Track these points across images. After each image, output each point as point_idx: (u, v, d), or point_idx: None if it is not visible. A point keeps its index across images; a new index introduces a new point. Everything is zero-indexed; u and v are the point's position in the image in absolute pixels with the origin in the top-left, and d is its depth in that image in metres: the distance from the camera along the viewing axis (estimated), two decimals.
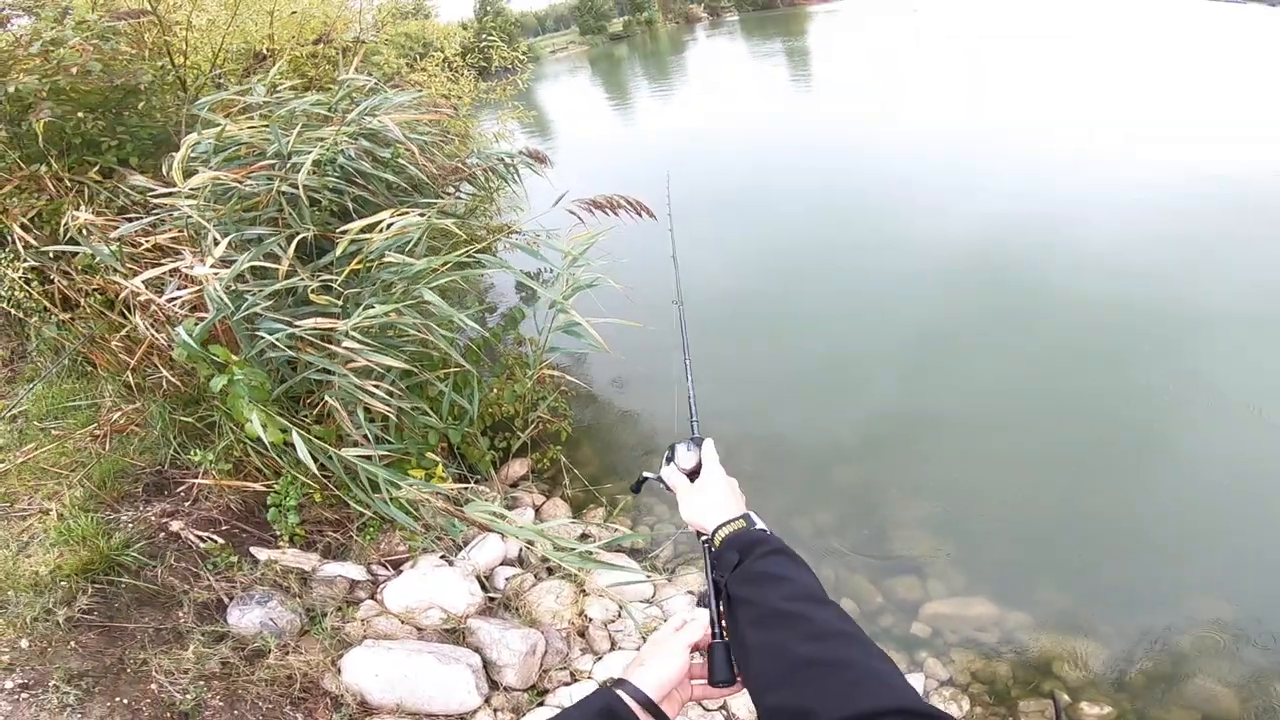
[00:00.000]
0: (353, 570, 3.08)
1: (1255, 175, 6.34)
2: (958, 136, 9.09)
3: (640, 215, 3.27)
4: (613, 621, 3.08)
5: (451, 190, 3.92)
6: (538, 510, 3.70)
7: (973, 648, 2.82)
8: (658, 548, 3.54)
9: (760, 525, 0.95)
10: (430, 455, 3.48)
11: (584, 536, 3.54)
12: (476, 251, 3.01)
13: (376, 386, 2.94)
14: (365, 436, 2.99)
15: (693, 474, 1.08)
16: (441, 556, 3.29)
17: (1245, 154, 6.88)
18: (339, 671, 2.52)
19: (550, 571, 3.37)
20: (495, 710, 2.52)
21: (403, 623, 2.87)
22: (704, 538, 0.98)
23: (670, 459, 1.11)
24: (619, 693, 0.87)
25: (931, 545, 3.36)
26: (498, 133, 6.09)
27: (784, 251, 6.40)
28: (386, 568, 3.18)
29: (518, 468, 3.84)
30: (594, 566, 3.19)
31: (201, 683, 2.25)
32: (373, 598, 2.99)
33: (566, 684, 2.70)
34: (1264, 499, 3.25)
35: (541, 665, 2.77)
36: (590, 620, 3.06)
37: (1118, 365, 4.27)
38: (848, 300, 5.50)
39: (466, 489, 3.32)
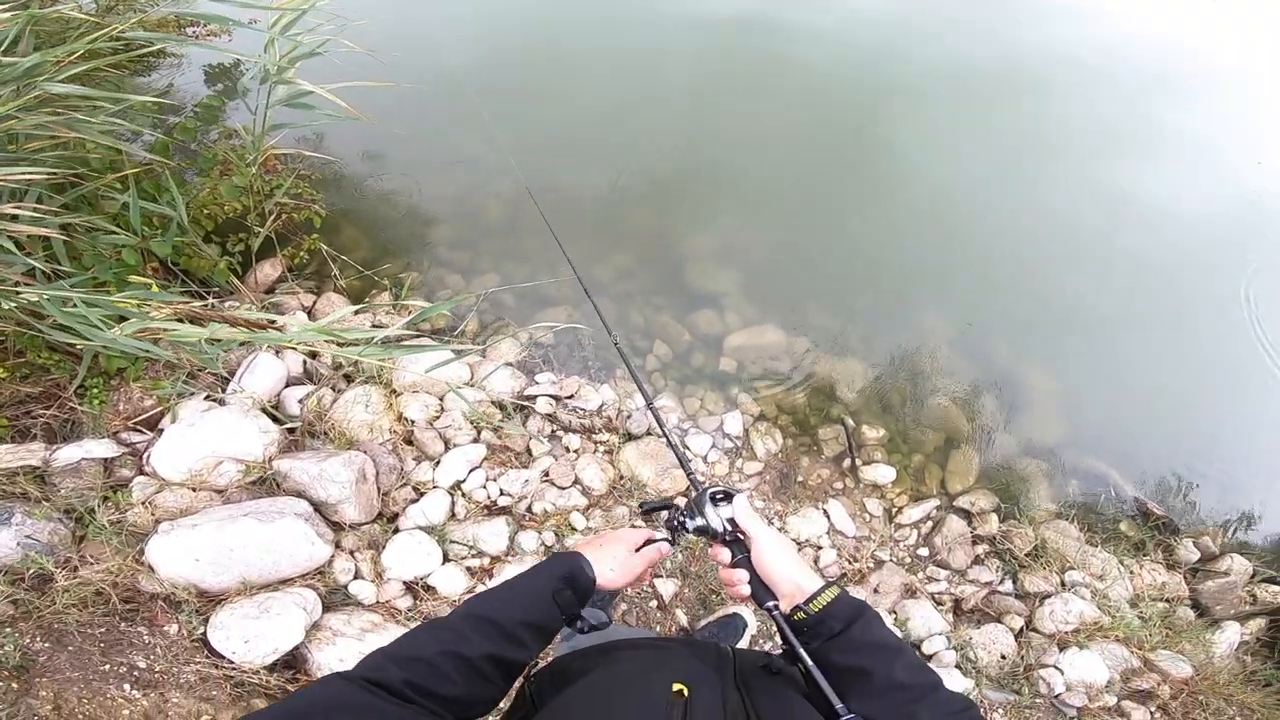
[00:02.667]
0: (96, 447, 2.71)
1: None
2: None
3: None
4: (437, 418, 3.18)
5: None
6: (310, 311, 3.37)
7: (772, 379, 3.47)
8: (462, 321, 3.55)
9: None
10: (137, 278, 2.92)
11: (377, 327, 3.39)
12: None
13: (18, 208, 2.41)
14: (30, 274, 2.47)
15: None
16: (207, 397, 3.01)
17: None
18: (152, 569, 2.43)
19: (349, 379, 3.27)
20: (351, 552, 2.65)
21: (194, 490, 2.71)
22: (774, 603, 1.01)
23: (715, 504, 1.13)
24: (580, 562, 1.09)
25: (722, 277, 3.83)
26: None
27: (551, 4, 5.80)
28: (140, 431, 2.86)
29: (269, 270, 3.34)
30: (399, 354, 3.16)
31: (7, 630, 2.08)
32: (141, 472, 2.73)
33: (414, 500, 2.87)
34: (975, 230, 4.29)
35: (379, 489, 2.88)
36: (413, 423, 3.13)
37: (858, 114, 5.05)
38: (617, 53, 5.32)
39: (205, 307, 2.92)
